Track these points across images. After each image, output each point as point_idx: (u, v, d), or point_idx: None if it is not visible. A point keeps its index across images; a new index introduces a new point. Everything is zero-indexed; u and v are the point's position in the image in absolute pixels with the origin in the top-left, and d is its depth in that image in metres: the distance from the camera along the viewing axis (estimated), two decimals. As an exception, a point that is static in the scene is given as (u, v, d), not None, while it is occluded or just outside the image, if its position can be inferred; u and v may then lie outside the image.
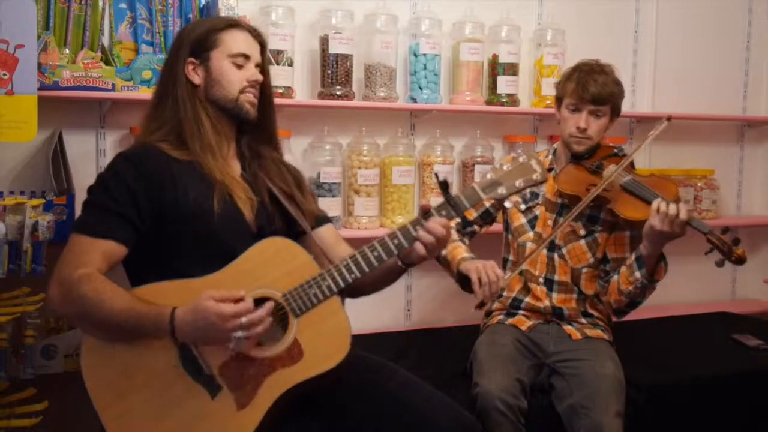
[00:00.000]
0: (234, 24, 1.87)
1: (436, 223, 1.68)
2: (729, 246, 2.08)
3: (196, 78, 1.83)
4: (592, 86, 2.27)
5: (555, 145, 2.49)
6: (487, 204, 2.45)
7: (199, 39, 1.83)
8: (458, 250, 2.31)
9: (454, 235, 2.40)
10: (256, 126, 1.90)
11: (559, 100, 2.40)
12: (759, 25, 3.75)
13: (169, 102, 1.82)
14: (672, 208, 2.08)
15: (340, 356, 1.65)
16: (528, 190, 2.40)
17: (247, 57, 1.84)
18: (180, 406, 1.62)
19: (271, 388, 1.63)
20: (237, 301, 1.58)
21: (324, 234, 1.94)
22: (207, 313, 1.55)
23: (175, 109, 1.81)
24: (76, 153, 2.51)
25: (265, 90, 1.90)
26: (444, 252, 2.31)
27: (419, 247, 1.69)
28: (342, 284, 1.68)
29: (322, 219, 1.97)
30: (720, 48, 3.67)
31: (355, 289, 1.82)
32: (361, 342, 1.71)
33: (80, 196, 2.27)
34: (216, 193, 1.74)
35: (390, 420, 1.70)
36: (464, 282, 2.21)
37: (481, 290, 2.09)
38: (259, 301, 1.66)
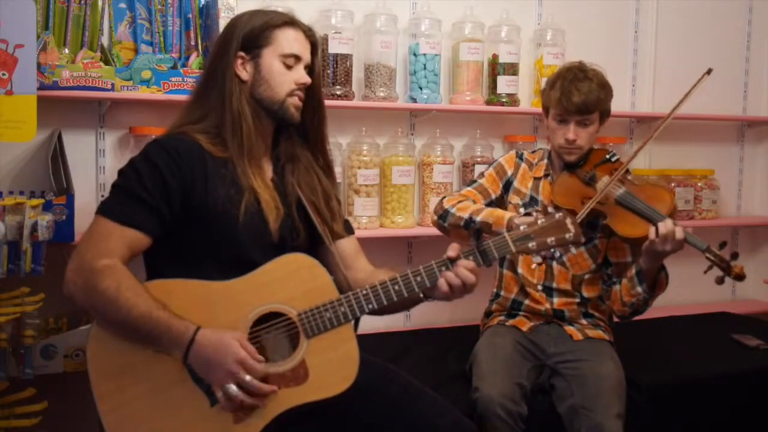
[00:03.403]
0: (290, 22, 1.80)
1: (466, 269, 1.67)
2: (727, 263, 2.07)
3: (244, 73, 1.78)
4: (575, 96, 2.23)
5: (549, 148, 2.46)
6: (493, 196, 2.43)
7: (252, 34, 1.77)
8: (500, 212, 2.19)
9: (479, 204, 2.28)
10: (300, 128, 1.86)
11: (545, 108, 2.37)
12: (759, 25, 3.75)
13: (214, 93, 1.77)
14: (668, 229, 2.06)
15: (344, 385, 1.64)
16: (528, 195, 2.40)
17: (298, 58, 1.79)
18: (178, 408, 1.61)
19: (270, 407, 1.62)
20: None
21: (345, 246, 1.92)
22: (229, 348, 1.55)
23: (220, 101, 1.76)
24: (76, 153, 2.50)
25: (314, 91, 1.86)
26: (478, 217, 2.18)
27: (443, 286, 1.68)
28: (358, 313, 1.67)
29: (346, 231, 1.94)
30: (720, 48, 3.67)
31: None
32: (362, 343, 1.70)
33: (80, 196, 2.28)
34: (244, 198, 1.71)
35: (390, 425, 1.70)
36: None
37: None
38: (273, 316, 1.66)
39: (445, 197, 2.38)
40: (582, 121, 2.27)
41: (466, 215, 2.22)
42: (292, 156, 1.87)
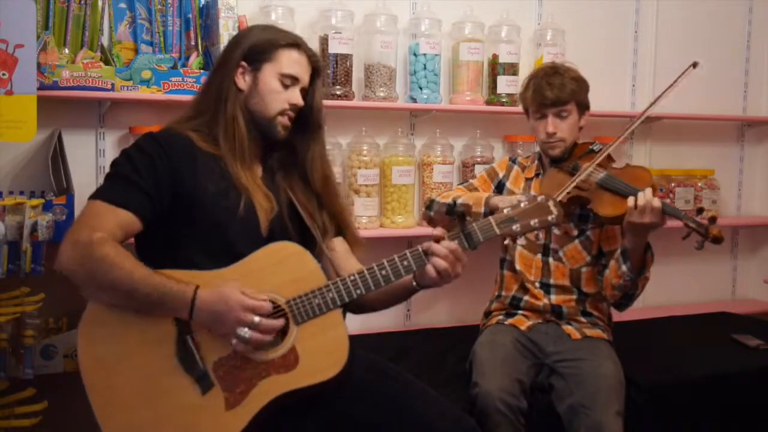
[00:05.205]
0: (295, 44, 1.85)
1: (444, 247, 1.69)
2: (705, 227, 2.08)
3: (242, 83, 1.83)
4: (547, 91, 2.30)
5: (539, 150, 2.48)
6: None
7: (257, 47, 1.82)
8: (480, 194, 2.31)
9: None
10: (292, 150, 1.90)
11: (526, 111, 2.43)
12: (759, 25, 3.75)
13: (212, 96, 1.83)
14: (646, 199, 2.09)
15: (334, 370, 1.65)
16: (520, 193, 2.41)
17: (295, 80, 1.83)
18: (168, 397, 1.61)
19: (262, 393, 1.63)
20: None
21: (335, 246, 1.93)
22: (229, 297, 1.58)
23: (216, 104, 1.81)
24: (76, 153, 2.51)
25: (310, 117, 1.89)
26: (459, 200, 2.31)
27: (430, 270, 1.70)
28: (346, 299, 1.69)
29: (337, 231, 1.95)
30: (720, 48, 3.67)
31: (362, 306, 1.83)
32: (362, 342, 1.71)
33: (80, 196, 2.28)
34: (235, 193, 1.75)
35: (390, 423, 1.70)
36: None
37: None
38: None
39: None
40: (558, 113, 2.32)
41: (449, 200, 2.34)
42: (285, 165, 1.90)
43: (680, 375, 2.53)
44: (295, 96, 1.83)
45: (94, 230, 1.61)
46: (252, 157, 1.85)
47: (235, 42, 1.87)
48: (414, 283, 1.78)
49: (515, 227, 1.75)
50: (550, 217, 1.77)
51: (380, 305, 1.88)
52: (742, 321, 3.27)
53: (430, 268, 1.70)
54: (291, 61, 1.83)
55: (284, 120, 1.84)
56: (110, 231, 1.63)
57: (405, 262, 1.71)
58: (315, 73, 1.89)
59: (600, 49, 3.35)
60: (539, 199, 1.78)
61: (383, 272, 1.70)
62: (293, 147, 1.90)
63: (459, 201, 2.30)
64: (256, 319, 1.58)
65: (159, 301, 1.60)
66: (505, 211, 1.76)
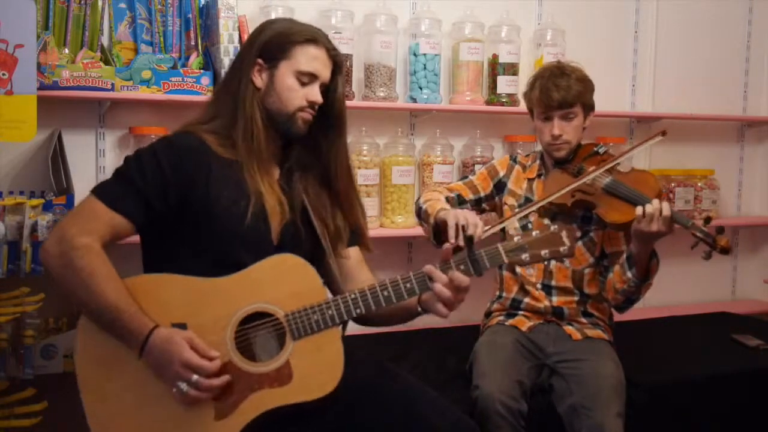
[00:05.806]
0: (313, 39, 1.78)
1: (449, 276, 1.65)
2: (713, 237, 2.06)
3: (259, 81, 1.78)
4: (554, 92, 2.26)
5: (541, 150, 2.47)
6: (482, 193, 2.45)
7: (272, 44, 1.77)
8: (438, 204, 2.22)
9: (443, 197, 2.33)
10: (314, 146, 1.85)
11: (530, 111, 2.40)
12: (759, 25, 3.75)
13: (229, 96, 1.79)
14: (656, 209, 2.07)
15: (327, 389, 1.64)
16: (523, 197, 2.40)
17: (314, 76, 1.78)
18: (158, 404, 1.60)
19: (252, 406, 1.62)
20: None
21: (349, 253, 1.90)
22: (174, 349, 1.56)
23: (233, 104, 1.77)
24: (76, 153, 2.51)
25: (333, 112, 1.83)
26: (424, 206, 2.24)
27: (434, 297, 1.67)
28: (345, 317, 1.66)
29: (353, 240, 1.91)
30: (720, 48, 3.68)
31: (364, 320, 1.81)
32: (362, 343, 1.70)
33: (80, 196, 2.27)
34: (249, 200, 1.71)
35: (390, 423, 1.69)
36: (438, 234, 2.13)
37: (454, 232, 1.95)
38: (260, 315, 1.66)
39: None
40: (565, 115, 2.30)
41: (420, 203, 2.28)
42: (304, 165, 1.86)
43: (680, 375, 2.53)
44: (313, 93, 1.78)
45: (83, 233, 1.61)
46: (269, 159, 1.81)
47: (251, 38, 1.82)
48: (419, 308, 1.75)
49: (524, 256, 1.70)
50: (562, 249, 1.71)
51: (383, 323, 1.86)
52: (742, 321, 3.27)
53: (433, 295, 1.67)
54: (308, 58, 1.77)
55: (305, 115, 1.79)
56: (100, 234, 1.63)
57: (408, 285, 1.67)
58: (336, 67, 1.83)
59: (600, 49, 3.35)
60: (552, 228, 1.72)
61: (385, 293, 1.67)
62: (314, 146, 1.86)
63: (423, 207, 2.24)
64: (194, 377, 1.55)
65: (119, 334, 1.59)
66: (515, 238, 1.72)
